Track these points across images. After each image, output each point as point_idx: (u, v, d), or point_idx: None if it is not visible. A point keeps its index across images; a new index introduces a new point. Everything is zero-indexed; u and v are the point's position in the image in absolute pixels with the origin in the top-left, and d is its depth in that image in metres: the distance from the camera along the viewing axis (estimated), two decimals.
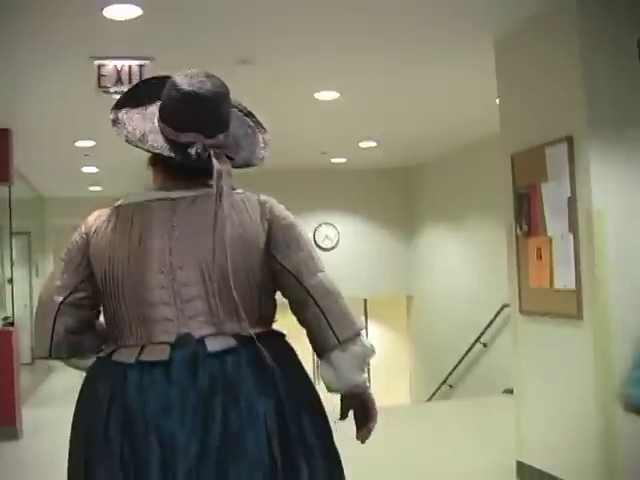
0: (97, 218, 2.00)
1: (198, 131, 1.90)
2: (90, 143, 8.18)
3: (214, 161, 1.88)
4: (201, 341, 1.83)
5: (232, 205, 1.90)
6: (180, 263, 1.87)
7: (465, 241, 9.95)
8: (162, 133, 1.95)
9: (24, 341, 11.55)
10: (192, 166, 1.92)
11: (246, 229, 1.90)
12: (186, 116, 1.91)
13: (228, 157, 1.95)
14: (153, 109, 2.02)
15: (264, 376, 1.86)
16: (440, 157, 10.29)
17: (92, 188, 11.72)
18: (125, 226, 1.91)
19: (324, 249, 11.21)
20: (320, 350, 1.98)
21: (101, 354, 1.97)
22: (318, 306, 1.94)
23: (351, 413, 2.09)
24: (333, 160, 10.24)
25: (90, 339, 2.05)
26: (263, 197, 2.00)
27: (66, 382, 7.43)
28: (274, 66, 5.69)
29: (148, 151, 1.98)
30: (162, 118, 1.96)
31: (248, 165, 2.05)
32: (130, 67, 5.32)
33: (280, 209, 2.01)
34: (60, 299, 1.98)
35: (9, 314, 9.09)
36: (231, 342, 1.85)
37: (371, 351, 1.99)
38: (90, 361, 2.00)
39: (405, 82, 6.36)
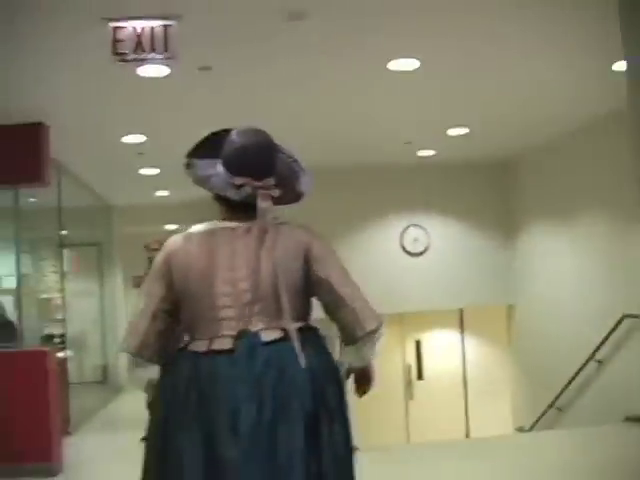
0: (174, 243, 2.57)
1: (249, 175, 2.51)
2: (140, 138, 7.28)
3: (258, 200, 2.49)
4: (256, 334, 2.43)
5: (277, 231, 2.52)
6: (239, 276, 2.47)
7: (576, 241, 8.58)
8: (222, 175, 2.55)
9: (93, 358, 11.01)
10: (244, 202, 2.52)
11: (289, 249, 2.52)
12: (239, 164, 2.53)
13: (273, 196, 2.53)
14: (217, 160, 2.59)
15: (303, 359, 2.41)
16: (543, 145, 8.97)
17: (159, 193, 10.86)
18: (198, 249, 2.51)
19: (412, 254, 10.16)
20: (349, 340, 2.56)
21: (179, 345, 2.52)
22: (349, 308, 2.52)
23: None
24: (420, 153, 9.05)
25: (169, 347, 2.57)
26: (301, 224, 2.62)
27: (133, 405, 6.64)
28: (332, 24, 4.62)
29: (209, 190, 2.58)
30: (223, 163, 2.57)
31: (290, 202, 2.65)
32: (152, 29, 4.33)
33: (316, 233, 2.62)
34: (154, 307, 2.54)
35: (60, 331, 8.29)
36: (279, 334, 2.44)
37: (382, 334, 2.56)
38: (152, 373, 2.55)
39: (501, 48, 5.25)
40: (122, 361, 2.74)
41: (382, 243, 10.09)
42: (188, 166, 2.62)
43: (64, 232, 9.03)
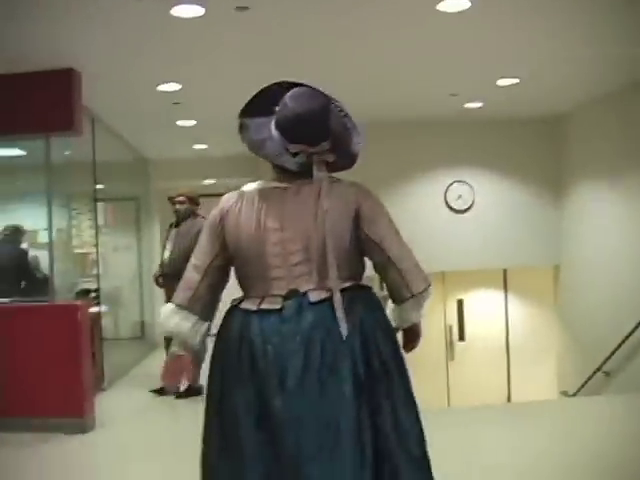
0: (227, 201, 2.64)
1: (304, 142, 2.52)
2: (175, 86, 6.98)
3: (314, 169, 2.51)
4: (305, 294, 2.50)
5: (328, 191, 2.50)
6: (289, 237, 2.51)
7: (628, 200, 8.16)
8: (276, 140, 2.56)
9: (130, 313, 10.88)
10: (298, 169, 2.54)
11: (340, 210, 2.53)
12: (294, 131, 2.52)
13: (327, 162, 2.55)
14: (271, 118, 2.60)
15: (351, 317, 2.46)
16: (595, 100, 8.52)
17: (197, 146, 10.60)
18: (249, 208, 2.57)
19: (457, 211, 9.80)
20: (398, 299, 2.66)
21: (232, 303, 2.64)
22: (397, 269, 2.58)
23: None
24: (467, 105, 8.63)
25: (216, 304, 2.75)
26: (353, 182, 2.62)
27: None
28: None
29: (263, 158, 2.59)
30: (277, 127, 2.56)
31: (344, 168, 2.65)
32: None
33: (367, 192, 2.62)
34: (208, 262, 2.64)
35: (96, 286, 8.14)
36: (326, 294, 2.48)
37: (429, 295, 2.66)
38: (197, 338, 2.70)
39: None
40: (158, 316, 2.80)
41: (426, 199, 9.75)
42: (241, 129, 2.63)
43: (100, 186, 8.91)
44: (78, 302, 6.25)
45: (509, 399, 11.41)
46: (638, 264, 7.89)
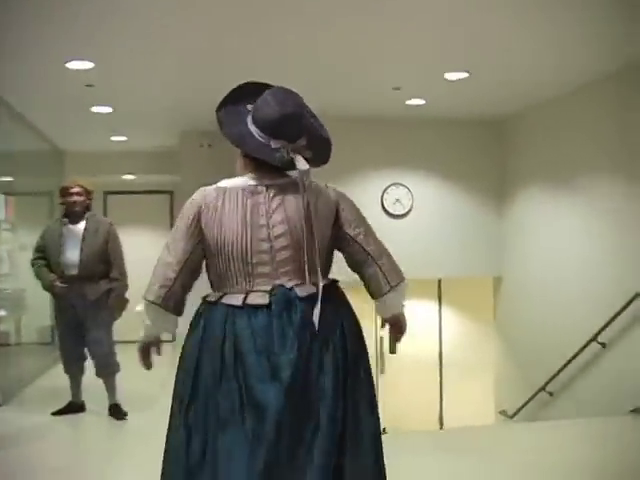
0: (205, 197, 2.63)
1: (285, 139, 2.59)
2: (87, 65, 6.14)
3: (297, 163, 2.59)
4: (291, 289, 2.55)
5: (310, 191, 2.63)
6: (276, 234, 2.57)
7: (577, 209, 7.61)
8: (256, 136, 2.62)
9: (40, 318, 9.99)
10: (278, 165, 2.61)
11: (322, 209, 2.67)
12: (277, 128, 2.59)
13: (305, 158, 2.62)
14: (245, 115, 2.69)
15: (334, 312, 2.62)
16: (544, 103, 8.02)
17: (115, 138, 9.76)
18: (233, 204, 2.59)
19: (394, 216, 9.11)
20: (376, 294, 2.83)
21: (209, 299, 2.65)
22: (376, 264, 2.77)
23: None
24: (408, 102, 7.99)
25: (186, 299, 2.73)
26: (330, 185, 2.80)
27: None
28: None
29: (247, 152, 2.67)
30: (256, 124, 2.63)
31: (319, 164, 2.72)
32: None
33: (343, 194, 2.82)
34: (184, 259, 2.63)
35: None
36: (313, 289, 2.58)
37: (406, 285, 2.85)
38: (169, 326, 2.71)
39: None
40: None
41: (361, 202, 8.94)
42: (220, 123, 2.71)
43: (7, 178, 8.11)
44: None
45: (441, 417, 10.96)
46: (584, 277, 7.39)
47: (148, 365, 2.74)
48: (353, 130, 8.64)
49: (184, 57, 6.14)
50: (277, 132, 2.59)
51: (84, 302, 5.97)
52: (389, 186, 9.11)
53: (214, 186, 2.66)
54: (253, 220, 2.57)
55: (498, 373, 9.81)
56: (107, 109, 7.99)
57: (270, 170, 2.63)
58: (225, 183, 2.66)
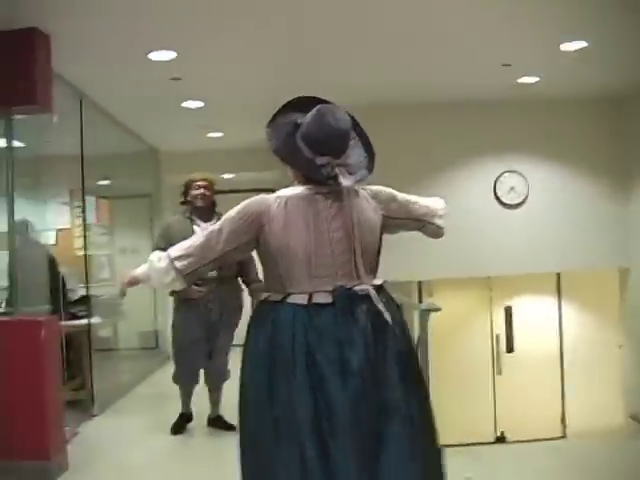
0: (270, 205, 2.80)
1: (330, 155, 2.79)
2: (170, 54, 5.83)
3: (341, 177, 2.79)
4: (351, 289, 2.75)
5: (358, 196, 2.88)
6: (336, 238, 2.78)
7: None
8: (303, 152, 2.81)
9: (138, 323, 9.85)
10: (324, 180, 2.82)
11: (370, 212, 2.90)
12: (322, 146, 2.79)
13: (348, 172, 2.84)
14: (294, 129, 2.85)
15: (390, 310, 2.82)
16: None
17: (211, 135, 9.49)
18: (297, 212, 2.77)
19: (508, 205, 8.68)
20: (425, 222, 3.17)
21: (271, 298, 2.83)
22: (430, 223, 3.17)
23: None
24: (520, 80, 7.42)
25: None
26: (367, 187, 2.99)
27: None
28: None
29: (294, 169, 2.89)
30: (304, 141, 2.82)
31: (361, 180, 2.93)
32: None
33: (378, 190, 3.01)
34: (225, 250, 2.83)
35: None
36: (369, 289, 2.79)
37: (446, 211, 3.24)
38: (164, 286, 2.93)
39: None
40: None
41: (472, 192, 8.67)
42: (270, 141, 2.89)
43: (105, 182, 8.18)
44: (41, 317, 5.04)
45: (563, 419, 10.30)
46: None
47: (125, 292, 3.09)
48: (459, 115, 8.32)
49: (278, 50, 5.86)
50: (322, 149, 2.79)
51: (221, 306, 5.60)
52: (502, 173, 8.71)
53: (275, 194, 2.84)
54: (316, 226, 2.78)
55: (626, 374, 9.19)
56: (198, 104, 7.70)
57: (319, 182, 2.84)
58: (284, 192, 2.85)
